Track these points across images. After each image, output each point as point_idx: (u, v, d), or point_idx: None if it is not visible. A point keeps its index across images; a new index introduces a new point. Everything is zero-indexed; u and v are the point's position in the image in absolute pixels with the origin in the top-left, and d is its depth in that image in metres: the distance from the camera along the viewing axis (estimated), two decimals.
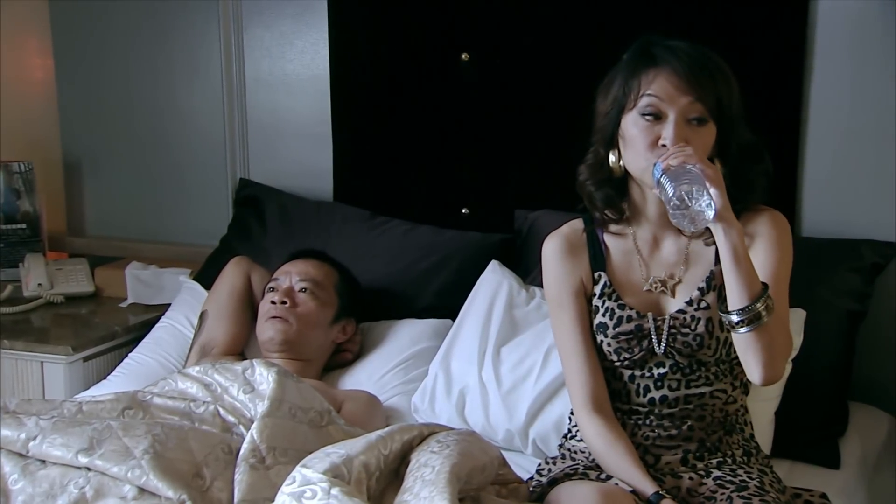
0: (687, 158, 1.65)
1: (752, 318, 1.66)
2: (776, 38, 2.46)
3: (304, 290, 2.43)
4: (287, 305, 2.40)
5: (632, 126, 1.76)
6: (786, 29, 2.45)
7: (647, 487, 1.73)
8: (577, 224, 1.94)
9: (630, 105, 1.76)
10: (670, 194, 1.63)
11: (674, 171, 1.64)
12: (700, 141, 1.73)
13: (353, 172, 2.94)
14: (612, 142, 1.81)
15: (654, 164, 1.68)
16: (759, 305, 1.65)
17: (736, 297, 1.67)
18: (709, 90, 1.73)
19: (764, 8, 2.45)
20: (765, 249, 1.79)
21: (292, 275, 2.45)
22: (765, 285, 1.68)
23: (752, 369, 1.71)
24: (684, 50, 1.76)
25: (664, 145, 1.71)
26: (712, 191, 1.62)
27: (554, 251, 1.92)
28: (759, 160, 1.82)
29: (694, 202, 1.62)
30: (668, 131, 1.72)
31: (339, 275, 2.50)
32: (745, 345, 1.69)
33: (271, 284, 2.46)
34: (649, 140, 1.74)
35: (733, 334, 1.71)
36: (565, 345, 1.89)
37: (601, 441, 1.82)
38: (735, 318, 1.67)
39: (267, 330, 2.39)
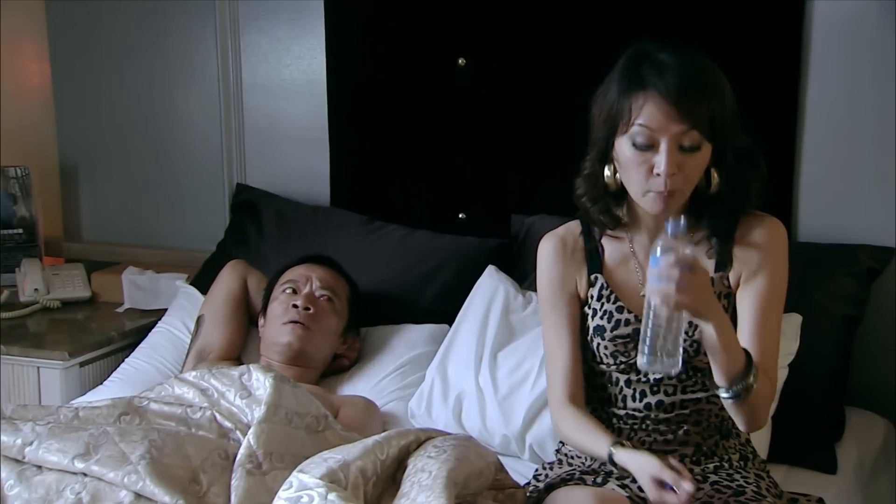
0: (678, 301, 1.58)
1: (738, 393, 1.68)
2: (771, 41, 2.46)
3: (326, 298, 2.41)
4: (310, 312, 2.37)
5: (625, 149, 1.73)
6: (781, 32, 2.45)
7: (605, 445, 1.76)
8: (573, 226, 1.94)
9: (622, 129, 1.73)
10: (647, 337, 1.63)
11: (657, 319, 1.62)
12: (694, 164, 1.71)
13: (350, 177, 2.94)
14: (607, 157, 1.79)
15: (652, 252, 1.62)
16: (747, 381, 1.67)
17: (723, 377, 1.69)
18: (701, 115, 1.68)
19: (759, 11, 2.46)
20: (762, 267, 1.80)
21: (313, 280, 2.42)
22: (748, 357, 1.69)
23: (738, 423, 1.77)
24: (675, 68, 1.69)
25: (658, 173, 1.70)
26: (694, 321, 1.65)
27: (549, 252, 1.92)
28: (754, 165, 1.81)
29: (662, 362, 1.63)
30: (660, 162, 1.69)
31: (349, 288, 2.49)
32: (729, 406, 1.73)
33: (289, 285, 2.41)
34: (644, 169, 1.71)
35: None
36: (553, 346, 1.90)
37: (572, 425, 1.84)
38: (723, 394, 1.70)
39: (285, 334, 2.35)
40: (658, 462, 1.66)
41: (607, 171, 1.79)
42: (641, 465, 1.69)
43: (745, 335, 1.81)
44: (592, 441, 1.80)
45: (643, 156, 1.71)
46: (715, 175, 1.76)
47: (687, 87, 1.68)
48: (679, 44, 1.75)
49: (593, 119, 1.81)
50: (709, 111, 1.69)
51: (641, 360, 1.64)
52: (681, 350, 1.64)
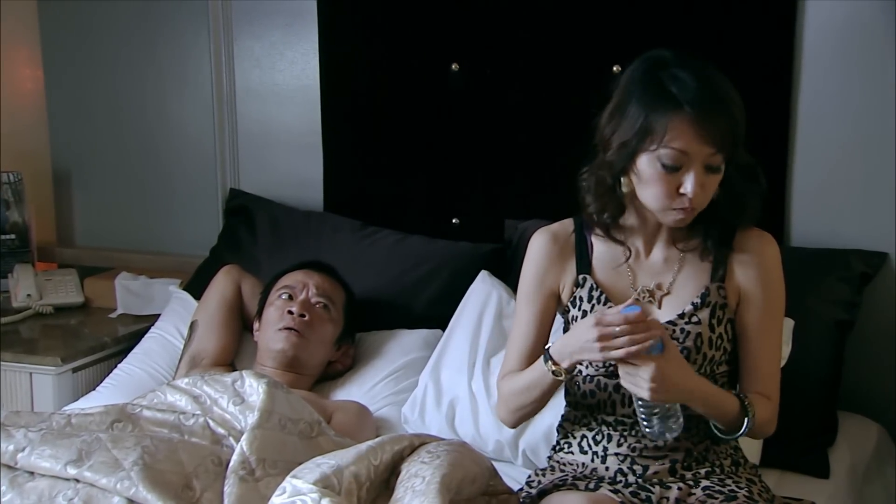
0: (651, 397, 1.68)
1: (737, 436, 1.79)
2: (764, 45, 2.47)
3: (322, 305, 2.41)
4: (305, 319, 2.37)
5: (649, 167, 1.72)
6: (774, 36, 2.46)
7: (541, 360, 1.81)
8: (567, 224, 1.94)
9: (649, 146, 1.71)
10: (644, 421, 1.74)
11: (642, 407, 1.72)
12: (713, 182, 1.73)
13: (344, 182, 2.94)
14: (625, 170, 1.78)
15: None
16: (745, 426, 1.76)
17: (719, 426, 1.80)
18: (729, 138, 1.68)
19: (751, 14, 2.46)
20: (759, 288, 1.82)
21: (310, 286, 2.42)
22: (740, 399, 1.77)
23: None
24: (702, 87, 1.68)
25: (684, 193, 1.71)
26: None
27: (538, 247, 1.92)
28: (753, 181, 1.81)
29: (669, 430, 1.73)
30: (688, 184, 1.70)
31: (346, 295, 2.49)
32: None
33: (286, 290, 2.41)
34: (669, 189, 1.72)
35: None
36: (518, 332, 1.91)
37: (515, 375, 1.89)
38: (722, 437, 1.81)
39: (279, 341, 2.35)
40: (592, 318, 1.70)
41: (624, 187, 1.78)
42: (578, 328, 1.74)
43: (745, 358, 1.84)
44: (531, 368, 1.84)
45: (670, 176, 1.71)
46: (717, 189, 1.76)
47: (716, 110, 1.68)
48: (691, 54, 1.73)
49: (603, 131, 1.78)
50: (734, 136, 1.70)
51: (649, 432, 1.74)
52: (678, 411, 1.72)
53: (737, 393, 1.79)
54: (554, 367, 1.78)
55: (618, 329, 1.66)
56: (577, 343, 1.72)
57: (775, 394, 1.85)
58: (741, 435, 1.78)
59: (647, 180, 1.74)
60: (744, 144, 1.75)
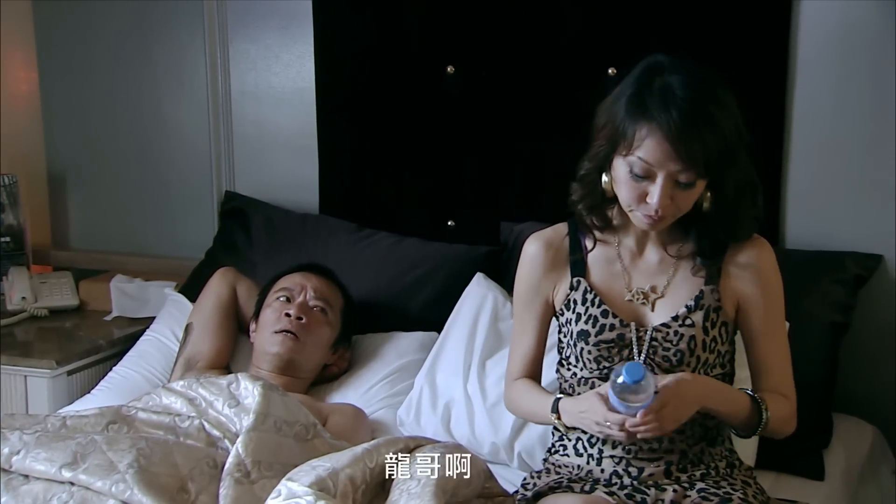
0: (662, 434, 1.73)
1: (752, 434, 1.82)
2: (758, 45, 2.47)
3: (319, 309, 2.40)
4: (303, 322, 2.37)
5: (621, 171, 1.75)
6: (768, 38, 2.46)
7: (551, 398, 1.85)
8: (561, 228, 1.95)
9: (622, 151, 1.73)
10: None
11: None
12: (685, 196, 1.74)
13: (339, 185, 2.94)
14: (605, 167, 1.80)
15: (612, 389, 1.69)
16: (759, 423, 1.79)
17: (735, 426, 1.84)
18: (699, 156, 1.68)
19: (745, 13, 2.46)
20: (758, 290, 1.83)
21: (308, 289, 2.42)
22: (752, 398, 1.79)
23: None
24: (681, 100, 1.67)
25: (650, 202, 1.73)
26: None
27: (533, 255, 1.94)
28: (752, 200, 1.81)
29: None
30: (653, 194, 1.71)
31: (344, 299, 2.49)
32: None
33: (283, 293, 2.41)
34: (636, 194, 1.74)
35: None
36: (519, 335, 1.96)
37: (523, 389, 1.94)
38: (739, 435, 1.85)
39: (275, 344, 2.35)
40: (602, 408, 1.71)
41: (605, 178, 1.80)
42: (587, 407, 1.75)
43: (756, 362, 1.86)
44: (538, 398, 1.89)
45: (638, 183, 1.73)
46: (708, 196, 1.77)
47: (689, 127, 1.66)
48: (692, 63, 1.73)
49: (596, 126, 1.80)
50: (706, 152, 1.68)
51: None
52: None
53: (748, 391, 1.81)
54: (558, 422, 1.84)
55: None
56: (595, 428, 1.75)
57: (791, 392, 1.87)
58: (753, 433, 1.80)
59: (618, 181, 1.77)
60: (738, 159, 1.74)
